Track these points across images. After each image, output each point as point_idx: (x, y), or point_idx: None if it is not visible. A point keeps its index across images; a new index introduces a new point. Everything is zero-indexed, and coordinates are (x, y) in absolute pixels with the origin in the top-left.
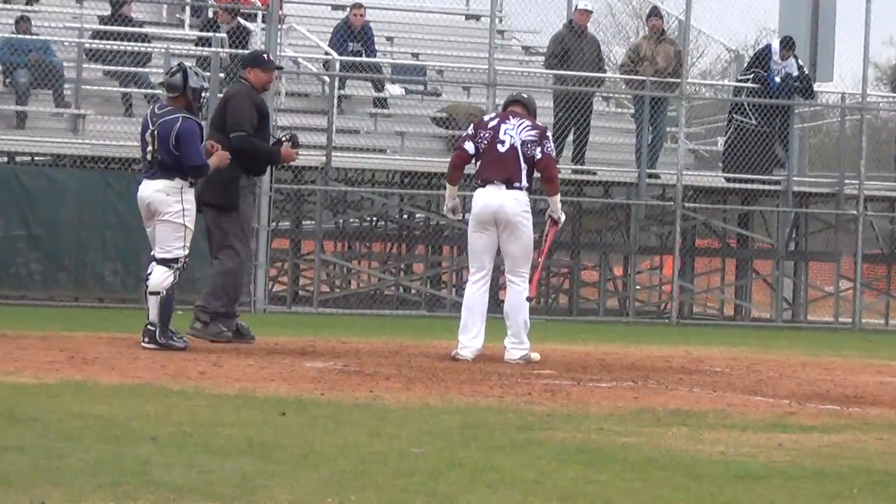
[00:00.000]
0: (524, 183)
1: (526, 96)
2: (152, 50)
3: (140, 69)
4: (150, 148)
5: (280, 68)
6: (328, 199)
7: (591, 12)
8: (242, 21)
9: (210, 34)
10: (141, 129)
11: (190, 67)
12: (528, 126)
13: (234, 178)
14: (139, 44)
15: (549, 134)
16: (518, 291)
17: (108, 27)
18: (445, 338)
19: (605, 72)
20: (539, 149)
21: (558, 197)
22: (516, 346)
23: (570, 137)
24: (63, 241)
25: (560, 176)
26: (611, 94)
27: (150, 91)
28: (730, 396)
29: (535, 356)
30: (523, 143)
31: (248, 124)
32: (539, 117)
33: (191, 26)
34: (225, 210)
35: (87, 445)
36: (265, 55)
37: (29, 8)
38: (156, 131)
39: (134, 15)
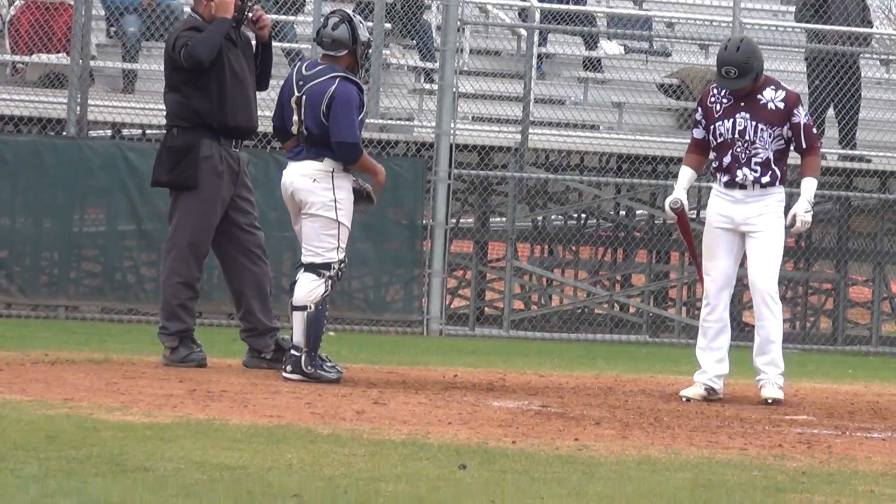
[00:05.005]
0: None
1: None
2: None
3: (285, 17)
4: (295, 118)
5: None
6: (523, 190)
7: None
8: None
9: None
10: (281, 94)
11: (353, 15)
12: None
13: (189, 145)
14: None
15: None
16: None
17: None
18: (672, 372)
19: (870, 25)
20: None
21: None
22: None
23: (831, 112)
24: None
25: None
26: (886, 55)
27: (294, 46)
28: None
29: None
30: None
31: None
32: (793, 85)
33: None
34: (179, 190)
35: (213, 503)
36: None
37: None
38: (304, 97)
39: None
